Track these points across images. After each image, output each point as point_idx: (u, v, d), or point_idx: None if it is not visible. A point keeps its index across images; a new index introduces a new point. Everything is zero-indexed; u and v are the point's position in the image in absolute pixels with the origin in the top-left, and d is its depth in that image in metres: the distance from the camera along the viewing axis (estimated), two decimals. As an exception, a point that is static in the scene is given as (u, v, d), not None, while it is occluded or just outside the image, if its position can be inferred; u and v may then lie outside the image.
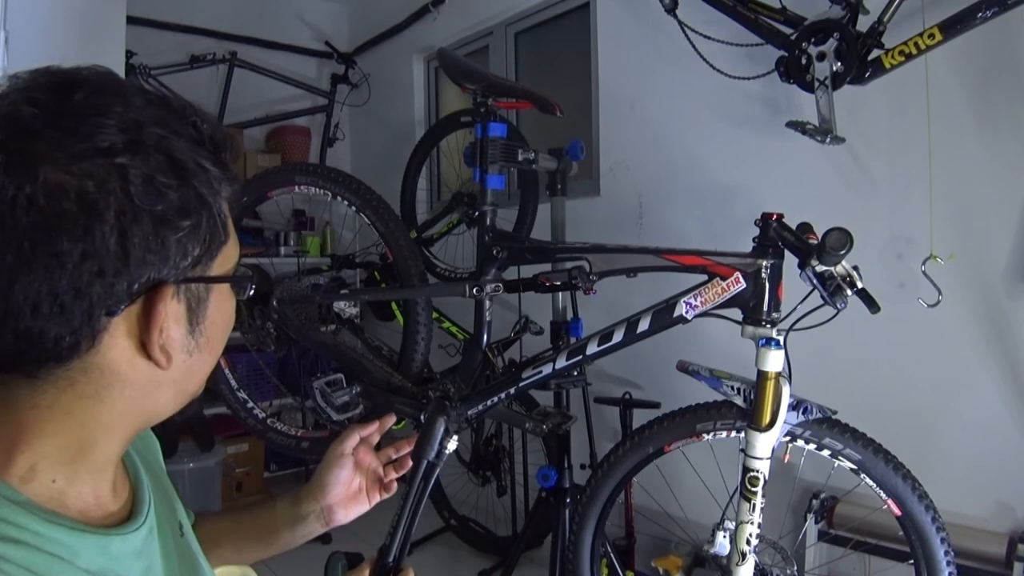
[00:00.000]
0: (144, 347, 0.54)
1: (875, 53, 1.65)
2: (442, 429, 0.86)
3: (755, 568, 1.31)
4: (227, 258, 0.59)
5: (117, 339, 0.52)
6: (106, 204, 0.48)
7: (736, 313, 1.30)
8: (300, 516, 0.89)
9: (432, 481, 0.85)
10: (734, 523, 1.31)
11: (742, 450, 1.29)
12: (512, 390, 1.55)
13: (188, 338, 0.57)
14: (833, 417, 1.29)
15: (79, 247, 0.47)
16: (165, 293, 0.53)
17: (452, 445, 0.87)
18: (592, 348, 1.43)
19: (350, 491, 0.91)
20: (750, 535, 1.28)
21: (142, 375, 0.55)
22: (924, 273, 1.61)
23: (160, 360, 0.54)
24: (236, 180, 0.58)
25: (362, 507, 0.92)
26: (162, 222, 0.50)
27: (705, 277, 1.32)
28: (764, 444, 1.26)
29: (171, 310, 0.54)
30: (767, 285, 1.26)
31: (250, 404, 1.93)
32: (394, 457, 0.95)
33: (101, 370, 0.53)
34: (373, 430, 0.93)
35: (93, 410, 0.54)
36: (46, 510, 0.52)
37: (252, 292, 0.64)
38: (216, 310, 0.59)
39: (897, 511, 1.27)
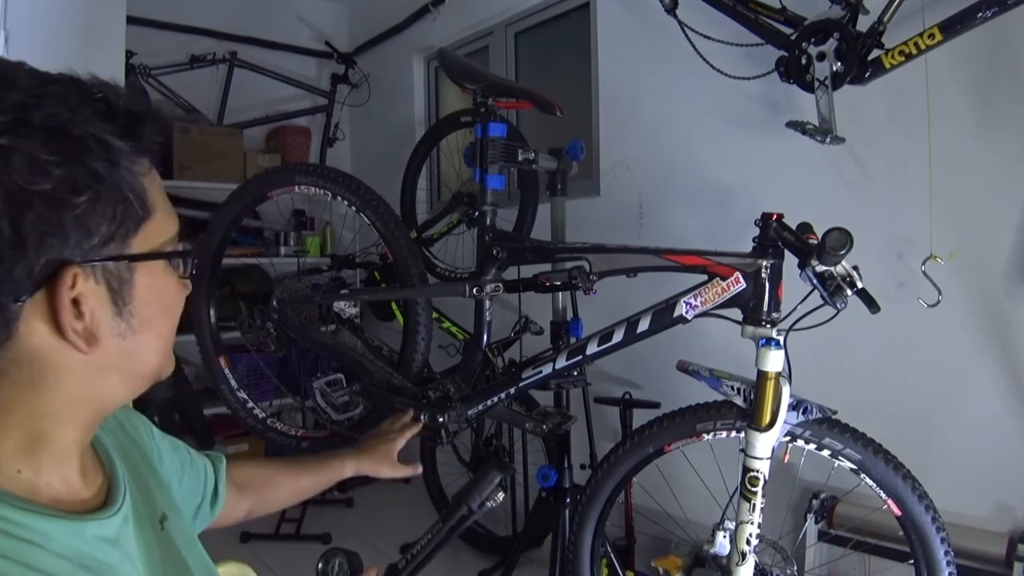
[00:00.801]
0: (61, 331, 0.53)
1: (875, 53, 1.65)
2: (494, 484, 0.85)
3: (755, 568, 1.31)
4: (152, 234, 0.58)
5: (33, 326, 0.52)
6: None
7: (736, 313, 1.30)
8: (359, 470, 1.20)
9: (465, 526, 0.84)
10: (734, 523, 1.31)
11: (742, 450, 1.29)
12: (512, 390, 1.55)
13: (117, 320, 0.56)
14: (833, 417, 1.29)
15: None
16: (68, 275, 0.52)
17: (497, 501, 0.85)
18: (592, 348, 1.43)
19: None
20: (750, 535, 1.28)
21: (76, 361, 0.55)
22: (924, 273, 1.61)
23: (78, 344, 0.54)
24: (150, 152, 0.57)
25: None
26: (52, 202, 0.50)
27: (705, 277, 1.32)
28: (764, 444, 1.26)
29: (89, 292, 0.53)
30: (767, 285, 1.26)
31: (250, 404, 1.92)
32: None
33: (30, 358, 0.53)
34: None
35: (36, 400, 0.54)
36: (16, 497, 0.52)
37: (194, 269, 0.63)
38: (147, 289, 0.58)
39: (897, 511, 1.27)
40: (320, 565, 0.76)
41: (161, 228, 0.59)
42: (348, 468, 1.20)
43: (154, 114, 0.58)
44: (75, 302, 0.53)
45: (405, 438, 1.36)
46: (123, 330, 0.57)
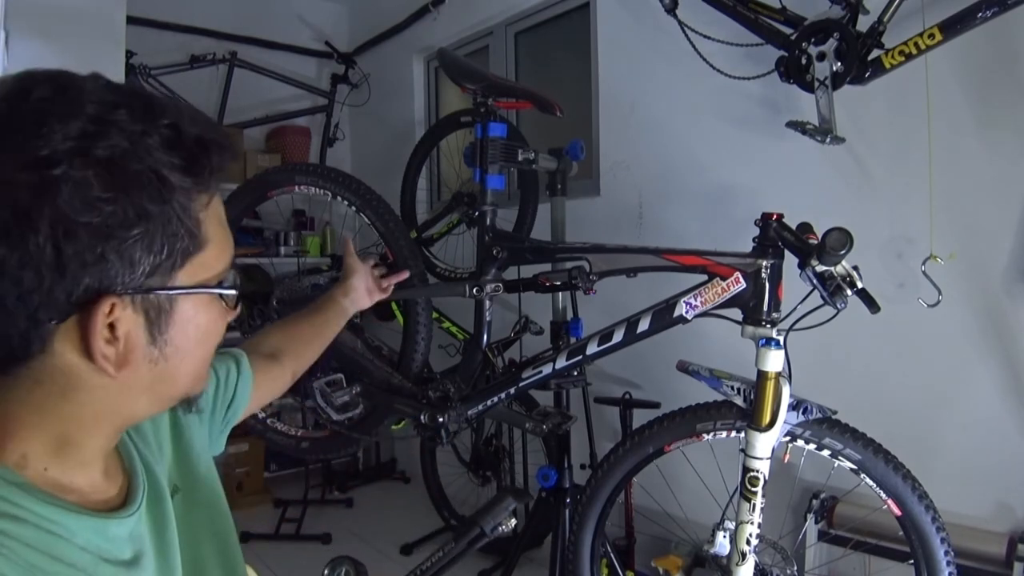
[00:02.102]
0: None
1: (875, 53, 1.65)
2: (509, 510, 0.85)
3: (755, 568, 1.31)
4: (201, 267, 0.57)
5: (67, 344, 0.53)
6: (39, 215, 0.48)
7: (736, 313, 1.30)
8: (356, 304, 1.32)
9: (475, 547, 0.84)
10: (734, 523, 1.32)
11: (742, 450, 1.29)
12: (512, 390, 1.55)
13: (150, 348, 0.56)
14: (833, 417, 1.29)
15: (15, 255, 0.48)
16: (105, 304, 0.52)
17: (509, 526, 0.85)
18: (592, 348, 1.43)
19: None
20: (750, 535, 1.28)
21: (106, 381, 0.55)
22: (924, 273, 1.61)
23: (107, 368, 0.54)
24: (210, 188, 0.57)
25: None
26: (98, 234, 0.49)
27: (705, 277, 1.32)
28: (764, 444, 1.26)
29: (125, 318, 0.54)
30: (767, 285, 1.26)
31: (250, 404, 1.92)
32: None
33: (62, 372, 0.54)
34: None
35: (65, 407, 0.55)
36: (44, 492, 0.54)
37: (237, 308, 0.63)
38: (186, 320, 0.58)
39: (897, 511, 1.27)
40: (326, 572, 0.75)
41: (212, 261, 0.58)
42: (349, 307, 1.30)
43: (222, 142, 0.57)
44: (111, 327, 0.53)
45: (350, 254, 1.40)
46: (155, 357, 0.57)
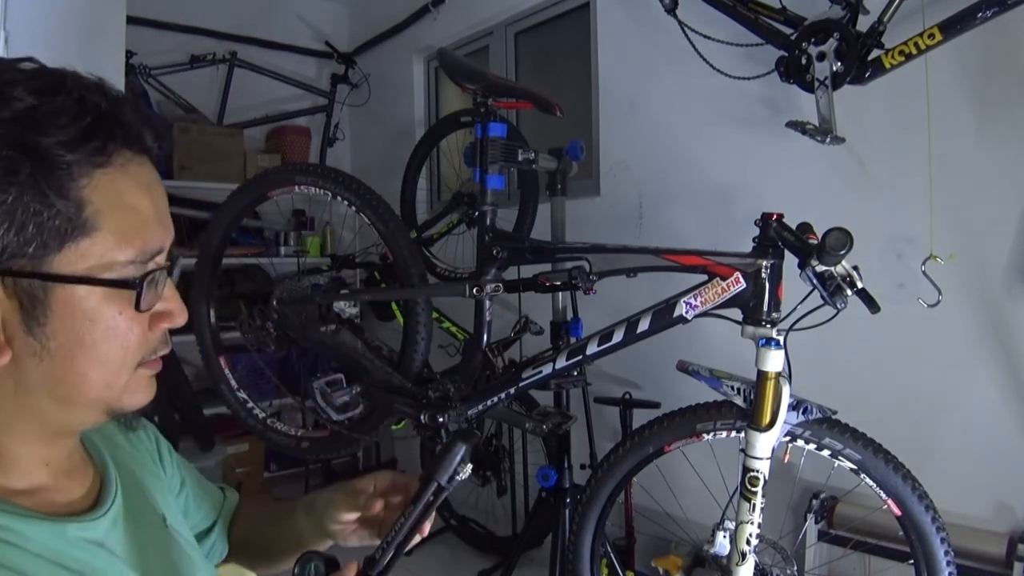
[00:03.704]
0: None
1: (875, 53, 1.65)
2: (460, 455, 0.84)
3: (755, 568, 1.31)
4: (87, 255, 0.51)
5: None
6: None
7: (736, 313, 1.30)
8: (320, 532, 0.88)
9: (438, 504, 0.83)
10: (734, 523, 1.31)
11: (742, 450, 1.29)
12: (512, 390, 1.55)
13: (29, 339, 0.52)
14: (833, 417, 1.29)
15: None
16: None
17: (466, 472, 0.84)
18: (592, 348, 1.43)
19: (352, 528, 0.88)
20: (750, 535, 1.28)
21: None
22: (924, 273, 1.61)
23: None
24: (94, 164, 0.51)
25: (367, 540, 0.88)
26: None
27: (705, 277, 1.32)
28: (764, 444, 1.26)
29: None
30: (767, 285, 1.25)
31: (250, 404, 1.92)
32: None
33: None
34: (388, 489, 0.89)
35: None
36: None
37: (141, 305, 0.54)
38: (71, 314, 0.52)
39: (897, 511, 1.27)
40: (296, 570, 0.74)
41: (104, 249, 0.52)
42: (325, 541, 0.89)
43: (124, 116, 0.53)
44: None
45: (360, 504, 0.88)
46: (38, 351, 0.52)
